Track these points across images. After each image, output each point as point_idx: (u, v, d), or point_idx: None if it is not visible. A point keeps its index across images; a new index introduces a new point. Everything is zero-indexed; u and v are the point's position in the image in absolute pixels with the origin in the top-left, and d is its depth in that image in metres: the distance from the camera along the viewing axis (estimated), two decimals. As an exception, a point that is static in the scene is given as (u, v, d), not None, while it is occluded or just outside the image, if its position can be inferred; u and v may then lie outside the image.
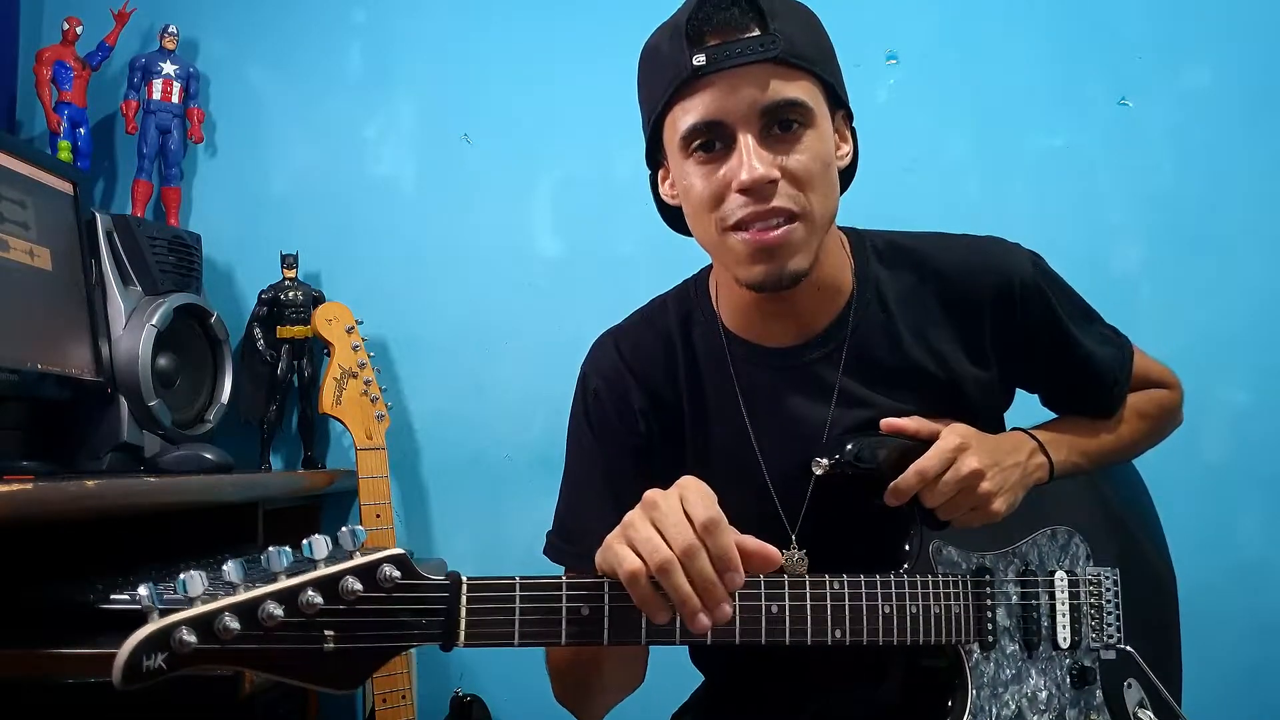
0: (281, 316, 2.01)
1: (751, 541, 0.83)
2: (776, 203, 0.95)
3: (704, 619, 0.79)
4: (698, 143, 0.97)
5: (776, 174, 0.95)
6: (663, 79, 0.98)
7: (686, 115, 0.96)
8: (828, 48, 1.02)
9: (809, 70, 0.97)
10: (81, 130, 1.99)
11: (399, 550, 0.78)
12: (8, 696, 1.39)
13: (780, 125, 0.96)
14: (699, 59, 0.94)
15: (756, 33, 0.94)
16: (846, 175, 1.08)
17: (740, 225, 0.96)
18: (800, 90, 0.96)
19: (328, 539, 0.76)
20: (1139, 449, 1.21)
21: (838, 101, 1.02)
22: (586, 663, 1.02)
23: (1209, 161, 1.98)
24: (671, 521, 0.79)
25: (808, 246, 0.98)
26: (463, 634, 0.79)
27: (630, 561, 0.79)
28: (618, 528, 0.83)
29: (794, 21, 0.97)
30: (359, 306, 1.94)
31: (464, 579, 0.80)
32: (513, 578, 0.82)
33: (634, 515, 0.82)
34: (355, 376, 1.88)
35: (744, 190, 0.95)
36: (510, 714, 2.00)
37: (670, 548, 0.78)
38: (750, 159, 0.94)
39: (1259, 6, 1.99)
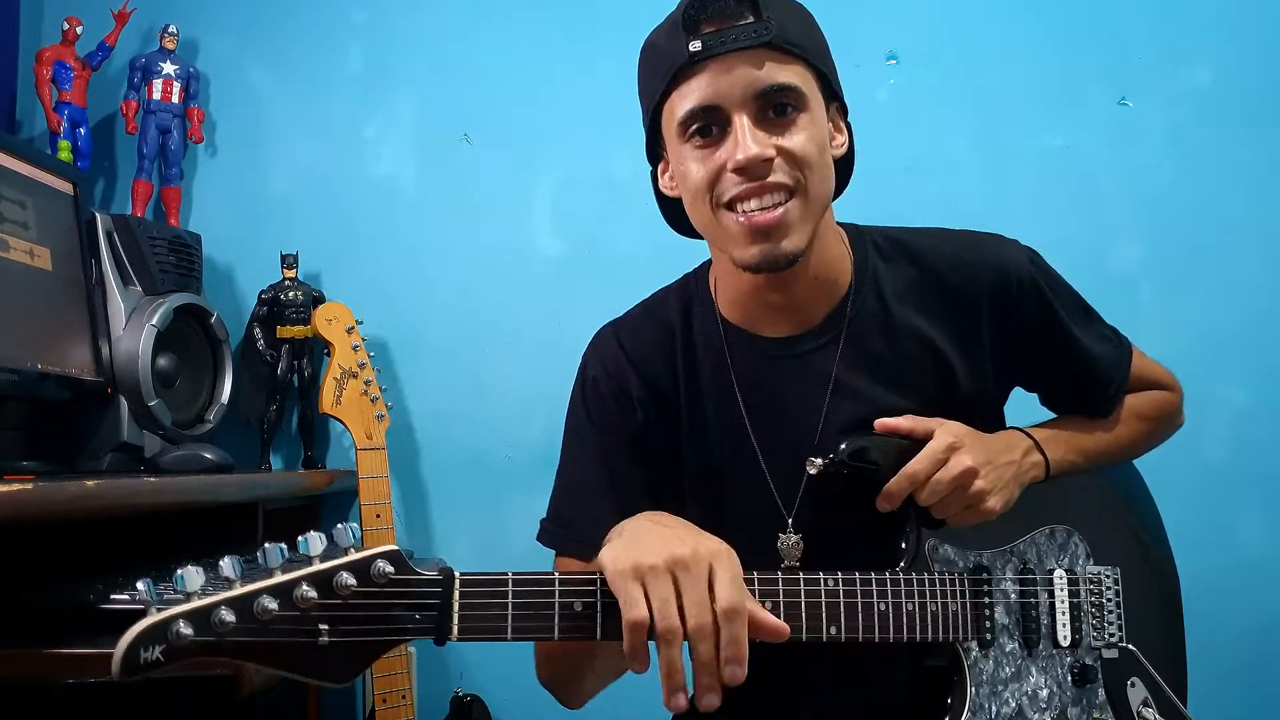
0: (281, 316, 2.01)
1: (766, 616, 0.83)
2: (773, 179, 0.97)
3: (681, 699, 0.79)
4: (694, 127, 0.99)
5: (771, 152, 0.96)
6: (660, 68, 1.00)
7: (683, 101, 0.98)
8: (821, 41, 1.04)
9: (802, 57, 0.99)
10: (81, 130, 2.00)
11: (392, 546, 0.79)
12: (8, 696, 1.39)
13: (775, 109, 0.98)
14: (694, 45, 0.96)
15: (750, 19, 0.97)
16: (845, 172, 1.08)
17: (734, 202, 0.98)
18: (794, 75, 0.98)
19: (323, 536, 0.76)
20: (1138, 450, 1.21)
21: (832, 93, 1.04)
22: (578, 649, 1.02)
23: (1209, 161, 1.98)
24: (695, 596, 0.79)
25: (803, 225, 0.99)
26: (456, 628, 0.80)
27: (638, 610, 0.78)
28: (636, 559, 0.80)
29: (787, 12, 1.00)
30: (359, 306, 1.94)
31: (457, 574, 0.81)
32: (505, 573, 0.82)
33: (659, 562, 0.80)
34: (355, 376, 1.88)
35: (739, 170, 0.96)
36: (510, 714, 2.00)
37: (683, 619, 0.78)
38: (745, 139, 0.96)
39: (1259, 6, 2.00)
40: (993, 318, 1.08)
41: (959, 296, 1.08)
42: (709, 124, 0.98)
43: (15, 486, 1.13)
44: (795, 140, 0.97)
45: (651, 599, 0.79)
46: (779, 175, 0.97)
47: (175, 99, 2.06)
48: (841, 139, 1.07)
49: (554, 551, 1.11)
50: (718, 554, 0.82)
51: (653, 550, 0.81)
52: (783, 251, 0.98)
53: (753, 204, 0.97)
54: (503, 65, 2.14)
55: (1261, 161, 1.97)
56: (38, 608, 1.21)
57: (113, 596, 1.19)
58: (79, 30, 2.01)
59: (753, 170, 0.96)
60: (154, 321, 1.76)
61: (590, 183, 2.11)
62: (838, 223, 1.11)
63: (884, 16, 2.06)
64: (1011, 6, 2.06)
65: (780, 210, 0.97)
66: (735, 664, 0.78)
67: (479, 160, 2.14)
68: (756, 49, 0.96)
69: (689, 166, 1.00)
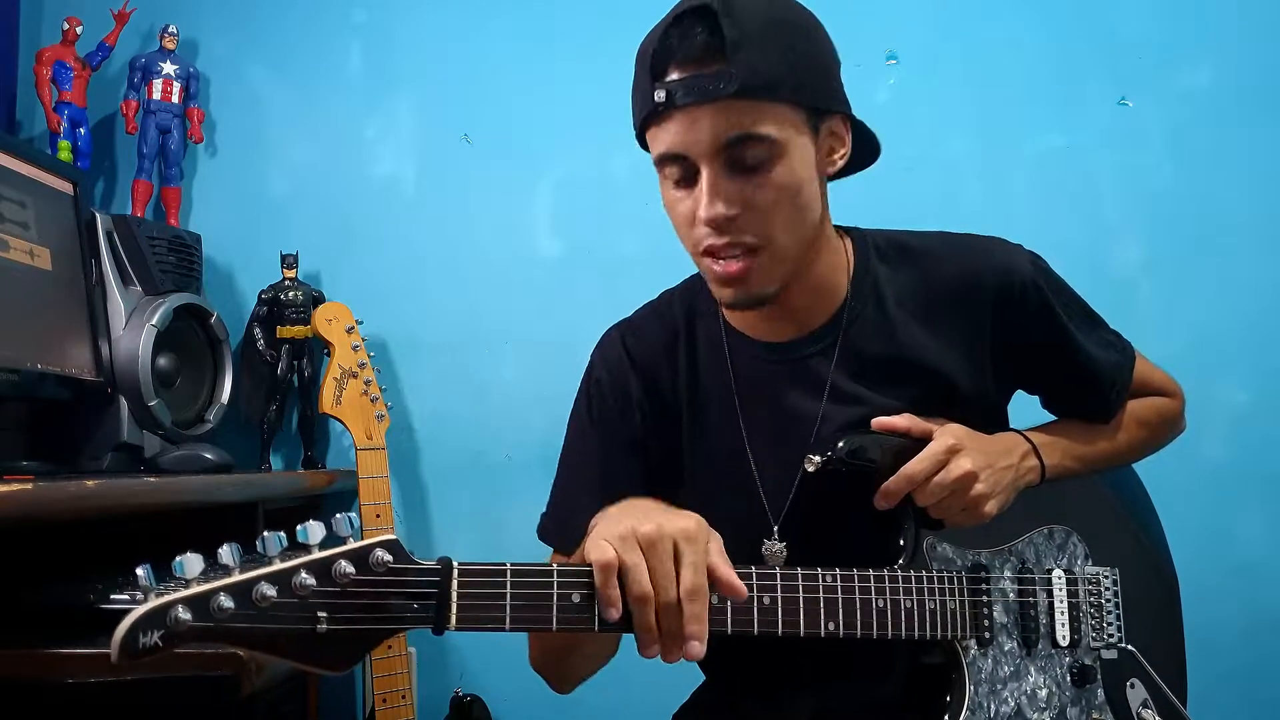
0: (281, 316, 2.01)
1: (728, 576, 0.85)
2: (735, 238, 0.96)
3: (654, 650, 0.82)
4: (668, 169, 0.98)
5: (735, 211, 0.95)
6: (638, 98, 0.99)
7: (656, 143, 0.98)
8: (805, 60, 0.96)
9: (774, 99, 0.94)
10: (81, 130, 2.00)
11: (391, 536, 0.79)
12: (8, 696, 1.39)
13: (744, 158, 0.94)
14: (659, 95, 0.94)
15: (716, 67, 0.92)
16: (858, 161, 1.06)
17: (709, 253, 0.98)
18: (765, 122, 0.93)
19: (322, 525, 0.77)
20: (1136, 455, 1.21)
21: (822, 112, 0.99)
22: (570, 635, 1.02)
23: (1209, 161, 1.98)
24: (661, 572, 0.81)
25: (772, 274, 0.99)
26: (454, 618, 0.80)
27: (607, 553, 0.81)
28: (612, 526, 0.83)
29: (760, 45, 0.93)
30: (359, 306, 1.94)
31: (455, 564, 0.81)
32: (503, 564, 0.82)
33: (627, 533, 0.82)
34: (355, 376, 1.88)
35: (706, 224, 0.96)
36: (510, 714, 2.00)
37: (653, 591, 0.81)
38: (707, 198, 0.95)
39: (1259, 6, 1.99)
40: (995, 322, 1.08)
41: (961, 300, 1.08)
42: (681, 170, 0.97)
43: (15, 486, 1.13)
44: (765, 195, 0.95)
45: (624, 558, 0.81)
46: (743, 235, 0.96)
47: (175, 99, 2.07)
48: (842, 150, 1.03)
49: (551, 549, 1.11)
50: (684, 533, 0.83)
51: (623, 526, 0.83)
52: (754, 296, 0.99)
53: (721, 257, 0.97)
54: (503, 65, 2.14)
55: (1261, 161, 1.97)
56: (38, 608, 1.22)
57: (113, 596, 1.19)
58: (79, 30, 2.01)
59: (717, 226, 0.95)
60: (154, 321, 1.76)
61: (590, 183, 2.11)
62: (840, 226, 1.11)
63: (884, 16, 2.06)
64: (1011, 6, 2.05)
65: (742, 264, 0.97)
66: (696, 640, 0.82)
67: (479, 160, 2.13)
68: (723, 99, 0.92)
69: (670, 203, 1.01)
